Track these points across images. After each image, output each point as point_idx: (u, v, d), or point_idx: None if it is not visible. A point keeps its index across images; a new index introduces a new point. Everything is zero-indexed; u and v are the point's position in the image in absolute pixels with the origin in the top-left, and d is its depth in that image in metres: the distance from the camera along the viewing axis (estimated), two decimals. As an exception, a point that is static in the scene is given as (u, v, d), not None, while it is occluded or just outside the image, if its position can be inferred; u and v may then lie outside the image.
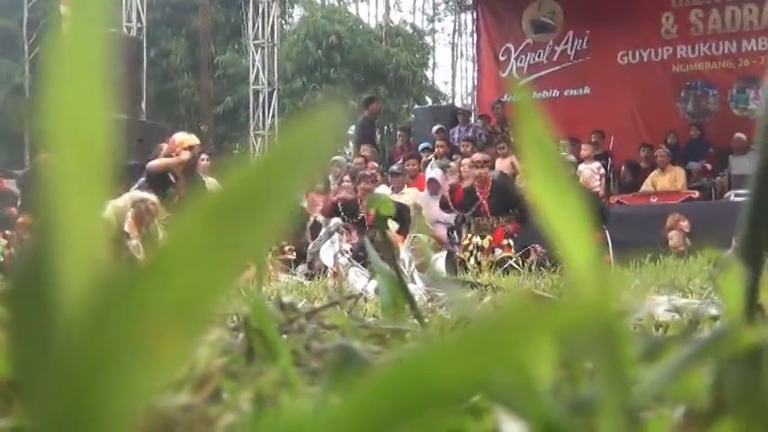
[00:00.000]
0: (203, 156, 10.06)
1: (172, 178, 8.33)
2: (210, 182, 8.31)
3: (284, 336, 0.93)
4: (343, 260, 8.14)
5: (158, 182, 8.14)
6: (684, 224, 9.91)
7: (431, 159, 12.89)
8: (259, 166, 0.28)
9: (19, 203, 12.32)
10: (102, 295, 0.28)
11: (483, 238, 9.35)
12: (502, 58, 17.25)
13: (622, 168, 13.81)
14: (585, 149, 12.72)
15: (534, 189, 0.34)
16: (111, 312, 0.28)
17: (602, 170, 12.52)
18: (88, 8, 0.30)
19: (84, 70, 0.30)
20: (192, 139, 8.85)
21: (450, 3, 31.38)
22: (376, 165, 12.43)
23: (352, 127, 14.97)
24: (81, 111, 0.29)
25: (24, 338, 0.29)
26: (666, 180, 12.75)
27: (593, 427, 0.38)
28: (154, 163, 8.60)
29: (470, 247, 9.36)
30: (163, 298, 0.28)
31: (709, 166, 13.56)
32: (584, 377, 0.45)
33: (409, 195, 10.92)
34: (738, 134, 12.82)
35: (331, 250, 8.74)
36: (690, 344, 0.41)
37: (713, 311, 1.27)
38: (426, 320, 0.98)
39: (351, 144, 15.44)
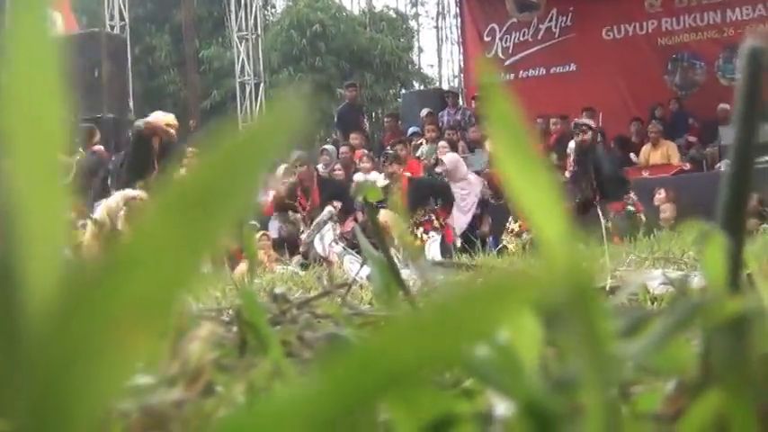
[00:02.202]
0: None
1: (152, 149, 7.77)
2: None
3: (277, 327, 0.93)
4: (337, 248, 8.15)
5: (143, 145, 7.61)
6: (662, 197, 9.92)
7: (421, 144, 12.86)
8: (221, 156, 0.28)
9: None
10: (67, 293, 0.28)
11: (516, 221, 9.23)
12: (487, 39, 17.20)
13: (612, 144, 13.80)
14: (576, 126, 12.69)
15: (503, 168, 0.34)
16: (76, 310, 0.28)
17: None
18: (33, 7, 0.29)
19: (37, 70, 0.30)
20: (172, 119, 8.29)
21: (433, -14, 31.28)
22: (366, 152, 12.38)
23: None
24: (37, 109, 0.29)
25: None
26: (659, 156, 12.74)
27: (578, 405, 0.38)
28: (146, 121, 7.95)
29: (510, 232, 9.25)
30: (128, 293, 0.28)
31: (693, 139, 13.54)
32: (570, 355, 0.45)
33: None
34: (723, 105, 12.80)
35: (324, 240, 8.75)
36: (671, 315, 0.41)
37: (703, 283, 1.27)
38: (420, 305, 0.98)
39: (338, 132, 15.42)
